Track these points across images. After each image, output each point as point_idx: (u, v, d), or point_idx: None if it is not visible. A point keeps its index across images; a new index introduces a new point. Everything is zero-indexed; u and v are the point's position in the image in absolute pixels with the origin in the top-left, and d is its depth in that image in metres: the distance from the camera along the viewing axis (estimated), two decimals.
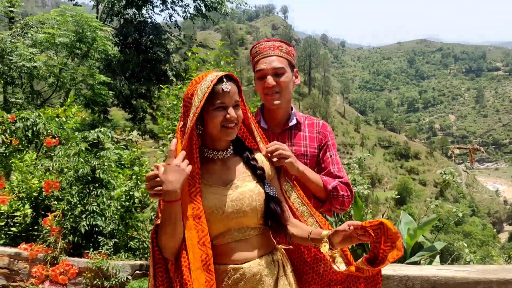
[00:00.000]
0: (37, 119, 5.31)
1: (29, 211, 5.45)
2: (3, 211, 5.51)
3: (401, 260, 4.75)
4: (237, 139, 2.09)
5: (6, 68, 9.83)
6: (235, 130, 1.97)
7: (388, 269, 4.19)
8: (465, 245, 5.41)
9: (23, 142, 5.50)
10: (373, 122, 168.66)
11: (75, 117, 5.75)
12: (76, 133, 5.60)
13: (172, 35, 16.53)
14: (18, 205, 5.49)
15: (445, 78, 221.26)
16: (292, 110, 2.45)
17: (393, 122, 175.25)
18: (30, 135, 5.38)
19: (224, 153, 2.03)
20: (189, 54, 6.53)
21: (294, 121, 2.41)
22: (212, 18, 15.94)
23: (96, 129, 5.17)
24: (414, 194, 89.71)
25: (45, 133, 5.38)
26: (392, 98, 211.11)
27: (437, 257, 4.83)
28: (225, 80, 1.91)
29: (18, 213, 5.45)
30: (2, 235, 5.50)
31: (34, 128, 5.30)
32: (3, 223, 5.54)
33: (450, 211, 5.70)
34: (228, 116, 1.91)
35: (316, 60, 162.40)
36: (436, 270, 4.12)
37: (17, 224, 5.48)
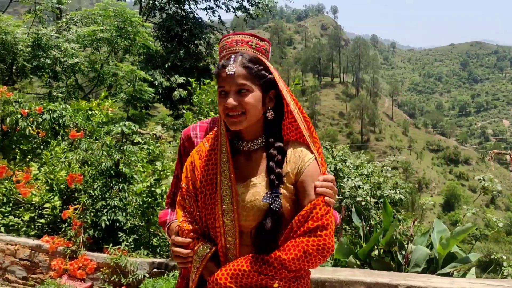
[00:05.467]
0: (63, 111, 5.28)
1: (58, 203, 5.46)
2: (34, 202, 5.55)
3: (432, 270, 4.45)
4: (277, 128, 1.78)
5: (50, 62, 10.01)
6: (240, 120, 1.66)
7: (417, 281, 3.92)
8: (504, 257, 4.99)
9: (50, 134, 5.50)
10: (422, 125, 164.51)
11: (102, 110, 5.70)
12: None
13: (215, 29, 16.51)
14: (49, 197, 5.52)
15: (500, 82, 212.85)
16: None
17: (443, 126, 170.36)
18: (56, 127, 5.37)
19: (250, 144, 1.75)
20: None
21: None
22: (252, 13, 15.79)
23: (121, 123, 5.08)
24: (462, 201, 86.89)
25: (70, 125, 5.35)
26: (443, 102, 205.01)
27: (473, 269, 4.48)
28: (231, 60, 1.69)
29: (47, 205, 5.47)
30: (32, 227, 5.55)
31: (60, 120, 5.28)
32: (33, 214, 5.60)
33: (490, 219, 5.29)
34: (226, 104, 1.66)
35: (365, 61, 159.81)
36: (469, 283, 3.83)
37: (46, 216, 5.52)
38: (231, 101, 1.64)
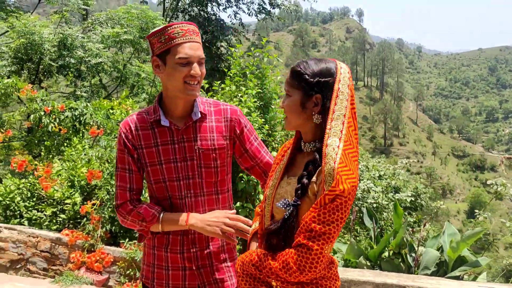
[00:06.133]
0: (84, 109, 5.46)
1: (78, 199, 5.63)
2: (56, 198, 5.73)
3: (442, 273, 4.47)
4: None
5: (74, 62, 10.28)
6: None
7: (425, 282, 3.95)
8: None
9: (71, 131, 5.68)
10: (448, 131, 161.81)
11: (122, 109, 5.87)
12: None
13: (237, 31, 16.66)
14: (70, 193, 5.69)
15: None
16: (195, 100, 2.19)
17: (469, 131, 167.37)
18: (77, 125, 5.55)
19: (306, 145, 1.78)
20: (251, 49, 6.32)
21: (198, 115, 2.15)
22: (272, 16, 15.89)
23: None
24: (488, 208, 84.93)
25: (91, 123, 5.53)
26: (469, 107, 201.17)
27: (484, 274, 4.49)
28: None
29: (68, 201, 5.64)
30: (54, 221, 5.72)
31: (82, 118, 5.46)
32: (55, 209, 5.77)
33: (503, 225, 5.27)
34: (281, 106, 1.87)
35: (390, 65, 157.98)
36: (478, 287, 3.84)
37: (66, 212, 5.68)
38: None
